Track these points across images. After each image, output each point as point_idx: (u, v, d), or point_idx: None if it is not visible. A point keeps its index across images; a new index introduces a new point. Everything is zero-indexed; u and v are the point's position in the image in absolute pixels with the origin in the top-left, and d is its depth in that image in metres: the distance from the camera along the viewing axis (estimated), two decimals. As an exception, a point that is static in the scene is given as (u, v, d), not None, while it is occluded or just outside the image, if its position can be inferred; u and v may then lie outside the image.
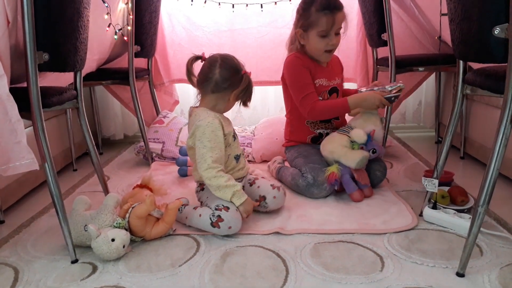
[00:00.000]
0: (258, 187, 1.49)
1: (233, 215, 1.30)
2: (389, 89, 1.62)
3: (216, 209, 1.31)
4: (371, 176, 1.65)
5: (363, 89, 1.69)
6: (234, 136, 1.48)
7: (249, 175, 1.56)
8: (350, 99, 1.63)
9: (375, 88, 1.64)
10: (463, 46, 1.13)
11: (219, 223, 1.29)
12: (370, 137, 1.61)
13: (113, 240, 1.17)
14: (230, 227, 1.29)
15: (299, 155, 1.73)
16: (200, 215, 1.34)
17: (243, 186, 1.48)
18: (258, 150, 2.13)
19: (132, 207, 1.28)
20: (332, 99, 1.75)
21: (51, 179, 1.15)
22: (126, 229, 1.24)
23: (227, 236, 1.31)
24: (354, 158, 1.54)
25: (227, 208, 1.30)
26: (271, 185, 1.48)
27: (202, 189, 1.48)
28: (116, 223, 1.23)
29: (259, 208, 1.46)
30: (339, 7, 1.62)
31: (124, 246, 1.19)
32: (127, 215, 1.26)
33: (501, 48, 0.95)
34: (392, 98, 1.60)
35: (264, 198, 1.45)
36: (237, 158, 1.48)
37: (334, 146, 1.63)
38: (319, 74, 1.72)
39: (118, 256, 1.18)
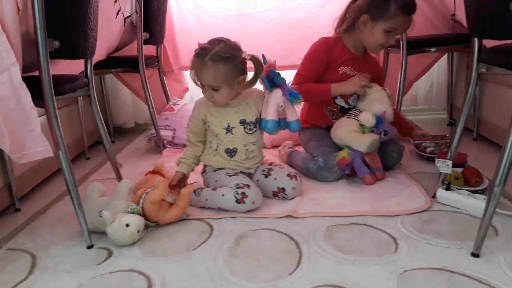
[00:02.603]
0: (275, 179, 1.47)
1: (255, 191, 1.37)
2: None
3: (238, 188, 1.35)
4: (387, 157, 1.64)
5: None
6: (229, 130, 1.44)
7: (261, 166, 1.55)
8: (333, 86, 1.65)
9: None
10: (479, 23, 1.11)
11: (244, 199, 1.34)
12: (381, 119, 1.58)
13: (127, 225, 1.18)
14: (254, 202, 1.35)
15: (313, 137, 1.73)
16: (223, 195, 1.36)
17: (257, 180, 1.49)
18: (268, 135, 2.11)
19: (146, 193, 1.29)
20: None
21: (65, 165, 1.16)
22: (140, 215, 1.25)
23: (249, 211, 1.35)
24: (364, 142, 1.52)
25: (248, 186, 1.36)
26: (288, 175, 1.47)
27: (204, 171, 1.53)
28: (131, 209, 1.24)
29: (278, 198, 1.47)
30: (415, 11, 1.60)
31: (138, 231, 1.20)
32: (141, 201, 1.27)
33: (518, 24, 0.93)
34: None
35: (283, 189, 1.45)
36: (230, 151, 1.46)
37: (343, 131, 1.61)
38: (347, 62, 1.70)
39: (133, 241, 1.20)
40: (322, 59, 1.69)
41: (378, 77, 1.81)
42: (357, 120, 1.60)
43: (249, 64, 1.40)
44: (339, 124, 1.65)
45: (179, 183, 1.47)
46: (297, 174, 1.50)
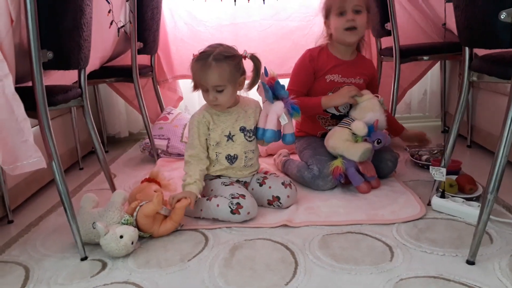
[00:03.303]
0: (270, 187, 1.47)
1: (250, 201, 1.36)
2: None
3: (232, 198, 1.34)
4: (382, 166, 1.65)
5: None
6: (230, 137, 1.45)
7: (256, 174, 1.55)
8: (323, 99, 1.66)
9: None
10: (469, 32, 1.12)
11: (239, 209, 1.33)
12: (373, 127, 1.58)
13: (121, 237, 1.17)
14: (249, 213, 1.34)
15: (308, 146, 1.73)
16: (218, 205, 1.35)
17: (252, 188, 1.50)
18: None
19: (140, 206, 1.28)
20: None
21: (58, 177, 1.15)
22: (134, 226, 1.24)
23: (244, 222, 1.34)
24: (356, 152, 1.52)
25: (243, 196, 1.35)
26: (282, 183, 1.47)
27: None
28: (124, 220, 1.24)
29: (273, 207, 1.47)
30: None
31: (132, 243, 1.19)
32: (135, 214, 1.27)
33: (508, 33, 0.94)
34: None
35: (278, 198, 1.45)
36: (230, 158, 1.46)
37: (335, 141, 1.61)
38: (334, 69, 1.71)
39: (127, 252, 1.19)
40: (308, 69, 1.72)
41: (372, 80, 1.82)
42: (350, 129, 1.60)
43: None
44: (332, 134, 1.65)
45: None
46: (292, 183, 1.50)
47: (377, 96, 1.65)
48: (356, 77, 1.74)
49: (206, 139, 1.46)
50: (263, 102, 1.49)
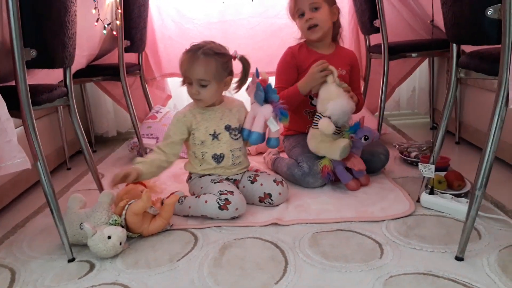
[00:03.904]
0: (261, 184, 1.47)
1: (239, 197, 1.35)
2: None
3: (221, 194, 1.33)
4: (375, 160, 1.66)
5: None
6: (215, 136, 1.44)
7: (247, 172, 1.54)
8: (298, 84, 1.66)
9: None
10: (456, 29, 1.12)
11: (227, 205, 1.32)
12: (359, 124, 1.56)
13: (109, 237, 1.15)
14: (237, 209, 1.33)
15: (297, 144, 1.73)
16: (206, 201, 1.34)
17: (243, 186, 1.49)
18: (253, 142, 2.12)
19: (129, 204, 1.26)
20: None
21: (44, 178, 1.13)
22: (122, 226, 1.23)
23: (232, 219, 1.33)
24: (335, 151, 1.51)
25: (231, 192, 1.34)
26: (274, 180, 1.47)
27: (190, 178, 1.52)
28: (112, 220, 1.22)
29: (264, 204, 1.46)
30: None
31: (121, 243, 1.18)
32: (124, 212, 1.25)
33: (495, 29, 0.94)
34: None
35: (269, 195, 1.45)
36: (217, 157, 1.45)
37: (314, 144, 1.59)
38: (316, 61, 1.69)
39: (115, 253, 1.17)
40: (291, 65, 1.75)
41: (353, 68, 1.82)
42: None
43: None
44: (309, 137, 1.63)
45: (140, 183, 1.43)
46: (283, 181, 1.50)
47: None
48: (337, 68, 1.72)
49: (184, 138, 1.46)
50: (252, 103, 1.49)
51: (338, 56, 1.78)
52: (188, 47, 1.39)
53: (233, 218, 1.35)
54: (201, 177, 1.48)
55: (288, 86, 1.72)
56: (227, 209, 1.32)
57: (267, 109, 1.42)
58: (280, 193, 1.45)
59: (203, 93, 1.39)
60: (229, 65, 1.41)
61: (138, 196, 1.29)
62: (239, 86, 1.48)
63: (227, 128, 1.46)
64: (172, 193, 1.43)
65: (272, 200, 1.45)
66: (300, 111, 1.78)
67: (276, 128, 1.42)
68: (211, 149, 1.45)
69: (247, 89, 1.50)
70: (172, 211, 1.30)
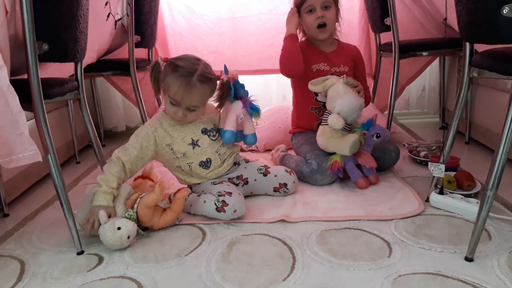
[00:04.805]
0: (276, 175, 1.49)
1: (237, 198, 1.32)
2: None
3: (219, 195, 1.32)
4: (386, 157, 1.65)
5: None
6: (195, 144, 1.40)
7: (257, 164, 1.53)
8: (286, 33, 1.71)
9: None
10: (470, 27, 1.11)
11: (224, 207, 1.29)
12: (372, 121, 1.56)
13: (119, 228, 1.16)
14: (235, 211, 1.30)
15: (305, 141, 1.73)
16: (204, 202, 1.34)
17: (255, 179, 1.48)
18: (261, 139, 2.11)
19: (140, 197, 1.27)
20: None
21: (54, 170, 1.14)
22: (135, 221, 1.23)
23: (233, 219, 1.32)
24: (344, 147, 1.50)
25: (229, 193, 1.32)
26: (286, 171, 1.51)
27: (191, 187, 1.50)
28: (128, 214, 1.23)
29: (278, 193, 1.49)
30: None
31: (129, 237, 1.18)
32: (136, 205, 1.26)
33: (510, 28, 0.93)
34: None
35: (285, 185, 1.48)
36: (204, 164, 1.42)
37: (323, 141, 1.59)
38: (319, 59, 1.75)
39: (121, 246, 1.18)
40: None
41: (357, 63, 1.82)
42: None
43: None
44: (318, 133, 1.63)
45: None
46: (292, 171, 1.54)
47: (343, 77, 1.59)
48: (340, 65, 1.77)
49: (150, 155, 1.37)
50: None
51: (340, 53, 1.79)
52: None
53: (232, 219, 1.32)
54: (199, 183, 1.46)
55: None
56: (224, 211, 1.29)
57: (238, 105, 1.44)
58: (294, 182, 1.50)
59: (190, 116, 1.36)
60: (215, 88, 1.40)
61: (147, 190, 1.30)
62: (220, 106, 1.46)
63: (204, 131, 1.43)
64: (181, 188, 1.43)
65: (287, 189, 1.49)
66: (306, 108, 1.79)
67: (241, 119, 1.43)
68: (195, 158, 1.41)
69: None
70: (182, 204, 1.31)
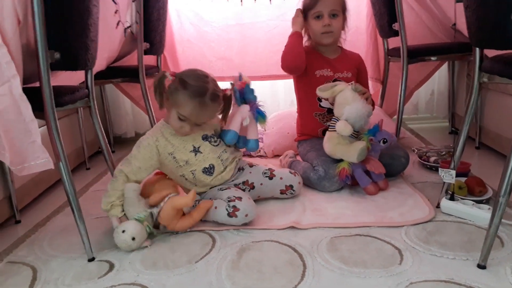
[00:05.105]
0: (281, 178, 1.50)
1: (247, 203, 1.33)
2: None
3: (229, 201, 1.32)
4: (395, 163, 1.65)
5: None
6: (197, 151, 1.41)
7: (262, 168, 1.54)
8: (292, 31, 1.73)
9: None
10: (480, 33, 1.10)
11: (236, 212, 1.30)
12: (378, 127, 1.55)
13: (123, 231, 1.20)
14: (246, 215, 1.31)
15: (311, 148, 1.72)
16: (215, 208, 1.34)
17: (261, 184, 1.49)
18: (269, 144, 2.12)
19: (169, 197, 1.30)
20: None
21: (66, 177, 1.15)
22: (148, 221, 1.26)
23: (244, 224, 1.33)
24: (352, 155, 1.50)
25: (240, 198, 1.33)
26: (290, 172, 1.53)
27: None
28: (137, 216, 1.25)
29: (285, 195, 1.51)
30: None
31: (134, 239, 1.20)
32: (162, 203, 1.28)
33: (521, 33, 0.93)
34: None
35: (291, 187, 1.50)
36: (207, 170, 1.42)
37: (330, 148, 1.59)
38: (323, 65, 1.76)
39: (128, 247, 1.21)
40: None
41: (360, 70, 1.83)
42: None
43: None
44: (325, 140, 1.62)
45: None
46: (296, 172, 1.56)
47: (352, 84, 1.60)
48: (343, 71, 1.78)
49: (154, 166, 1.40)
50: (233, 105, 1.53)
51: (343, 60, 1.80)
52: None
53: (244, 224, 1.33)
54: (205, 191, 1.47)
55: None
56: (236, 216, 1.30)
57: (244, 108, 1.47)
58: (299, 183, 1.53)
59: (195, 129, 1.38)
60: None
61: (170, 189, 1.34)
62: (223, 118, 1.51)
63: (205, 138, 1.44)
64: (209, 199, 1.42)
65: (294, 190, 1.51)
66: (310, 114, 1.80)
67: (246, 123, 1.46)
68: (198, 165, 1.41)
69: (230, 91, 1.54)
70: (203, 214, 1.33)
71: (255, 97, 1.48)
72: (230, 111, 1.51)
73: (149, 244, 1.24)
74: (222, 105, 1.45)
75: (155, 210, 1.29)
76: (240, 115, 1.46)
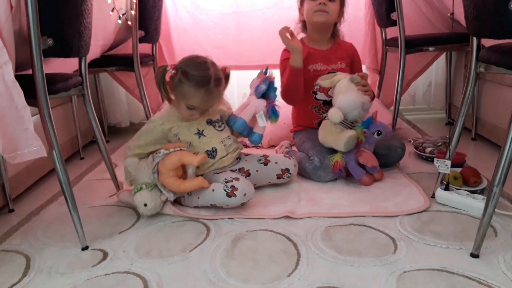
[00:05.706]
0: (276, 163, 1.52)
1: (245, 182, 1.35)
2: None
3: (226, 182, 1.34)
4: (392, 153, 1.66)
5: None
6: (201, 134, 1.45)
7: (256, 155, 1.55)
8: (289, 62, 1.65)
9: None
10: (478, 22, 1.09)
11: (234, 192, 1.32)
12: (372, 119, 1.54)
13: (145, 205, 1.31)
14: (245, 194, 1.33)
15: (307, 139, 1.72)
16: (213, 190, 1.35)
17: (257, 170, 1.51)
18: (265, 135, 2.09)
19: (181, 149, 1.34)
20: None
21: (59, 166, 1.14)
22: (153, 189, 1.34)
23: (243, 204, 1.34)
24: (340, 143, 1.50)
25: (237, 179, 1.35)
26: (285, 156, 1.56)
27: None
28: (147, 185, 1.34)
29: (282, 179, 1.52)
30: None
31: (146, 205, 1.31)
32: (173, 149, 1.32)
33: (519, 23, 0.92)
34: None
35: (287, 170, 1.52)
36: (210, 153, 1.45)
37: (322, 135, 1.59)
38: (315, 59, 1.75)
39: (143, 212, 1.33)
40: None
41: (353, 61, 1.83)
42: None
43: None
44: (320, 128, 1.63)
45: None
46: (291, 156, 1.59)
47: (357, 74, 1.60)
48: (337, 62, 1.77)
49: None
50: (250, 95, 1.54)
51: (336, 51, 1.79)
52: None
53: (242, 204, 1.35)
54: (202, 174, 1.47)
55: None
56: (234, 195, 1.32)
57: (261, 103, 1.48)
58: (295, 165, 1.55)
59: (200, 114, 1.44)
60: None
61: (189, 155, 1.36)
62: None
63: (209, 122, 1.48)
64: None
65: (290, 173, 1.53)
66: (306, 107, 1.79)
67: (263, 123, 1.48)
68: (201, 147, 1.45)
69: (252, 80, 1.55)
70: (194, 188, 1.35)
71: (275, 96, 1.50)
72: (243, 100, 1.54)
73: (165, 198, 1.34)
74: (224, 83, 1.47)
75: (161, 154, 1.32)
76: (254, 107, 1.48)
